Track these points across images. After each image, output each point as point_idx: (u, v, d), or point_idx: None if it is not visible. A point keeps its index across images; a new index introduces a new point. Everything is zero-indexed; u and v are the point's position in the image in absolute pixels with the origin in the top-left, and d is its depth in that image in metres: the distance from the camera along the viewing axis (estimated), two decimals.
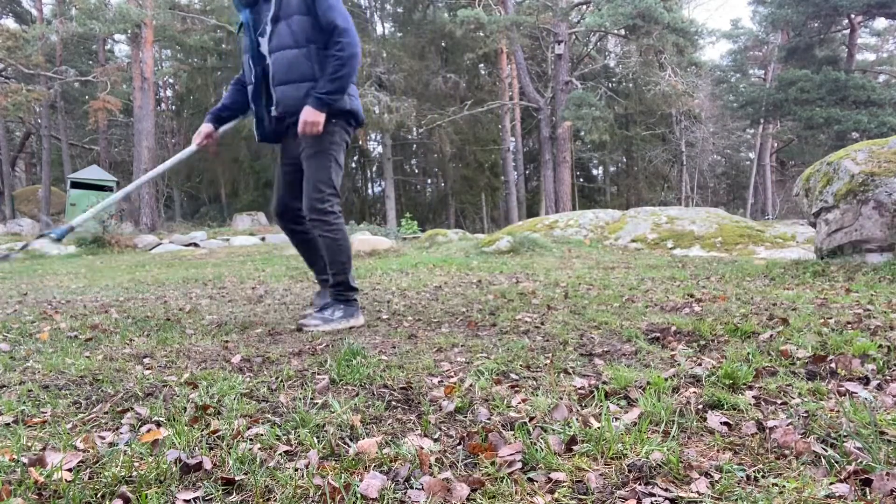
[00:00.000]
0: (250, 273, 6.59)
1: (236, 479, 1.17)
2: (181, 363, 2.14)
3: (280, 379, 1.88)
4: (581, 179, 32.02)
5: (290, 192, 3.02)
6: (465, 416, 1.51)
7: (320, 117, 2.73)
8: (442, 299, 3.69)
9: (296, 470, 1.21)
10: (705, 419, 1.41)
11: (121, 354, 2.27)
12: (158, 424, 1.49)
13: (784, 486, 1.08)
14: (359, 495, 1.09)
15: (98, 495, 1.12)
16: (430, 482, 1.12)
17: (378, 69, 21.98)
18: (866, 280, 3.57)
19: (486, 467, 1.20)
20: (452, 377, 1.87)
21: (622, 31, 20.20)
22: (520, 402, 1.58)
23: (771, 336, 2.17)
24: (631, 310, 2.93)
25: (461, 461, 1.25)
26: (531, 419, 1.44)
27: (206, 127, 3.03)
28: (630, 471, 1.16)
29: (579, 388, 1.68)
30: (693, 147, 27.22)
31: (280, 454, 1.30)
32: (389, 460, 1.24)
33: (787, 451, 1.22)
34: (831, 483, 1.08)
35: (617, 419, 1.41)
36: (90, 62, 25.77)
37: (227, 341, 2.53)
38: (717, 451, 1.25)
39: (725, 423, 1.38)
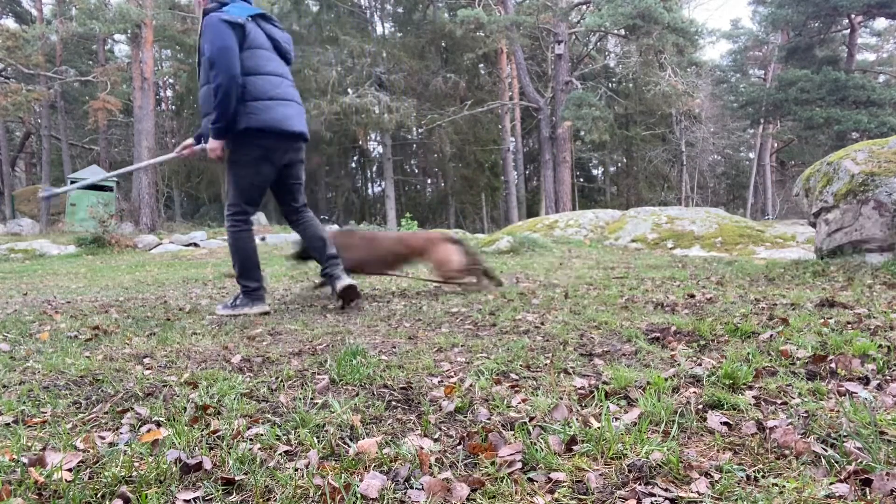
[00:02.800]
0: None
1: (236, 479, 1.17)
2: (181, 363, 2.14)
3: (280, 379, 1.88)
4: (581, 179, 32.01)
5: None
6: (465, 416, 1.51)
7: (215, 144, 3.20)
8: (442, 299, 3.69)
9: (296, 470, 1.21)
10: (705, 419, 1.41)
11: (121, 354, 2.27)
12: (158, 424, 1.49)
13: (784, 486, 1.08)
14: (359, 495, 1.09)
15: (98, 495, 1.12)
16: (430, 482, 1.12)
17: (378, 69, 21.99)
18: (866, 280, 3.57)
19: (486, 467, 1.20)
20: (452, 377, 1.87)
21: (622, 31, 20.19)
22: (520, 402, 1.58)
23: (771, 336, 2.17)
24: (631, 310, 2.93)
25: (461, 461, 1.25)
26: (531, 419, 1.44)
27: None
28: (630, 471, 1.16)
29: (579, 388, 1.68)
30: (693, 147, 27.22)
31: (280, 454, 1.30)
32: (389, 460, 1.24)
33: (787, 451, 1.22)
34: (831, 483, 1.08)
35: (617, 419, 1.41)
36: (90, 62, 25.76)
37: (227, 341, 2.53)
38: (717, 451, 1.25)
39: (725, 423, 1.38)
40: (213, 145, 3.17)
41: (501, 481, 1.14)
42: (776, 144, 30.57)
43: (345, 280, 3.37)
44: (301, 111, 3.38)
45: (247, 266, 3.33)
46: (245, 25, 3.15)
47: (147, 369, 2.05)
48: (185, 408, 1.61)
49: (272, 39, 3.30)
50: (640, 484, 1.11)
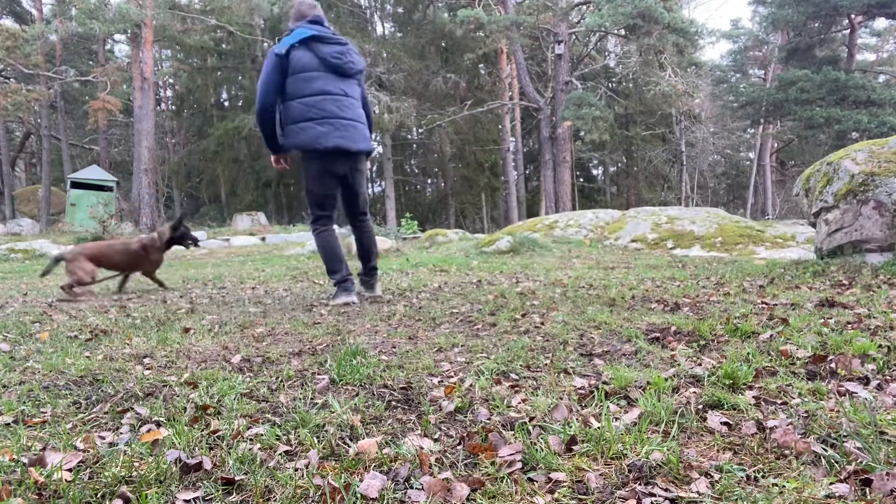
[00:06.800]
0: (250, 273, 6.59)
1: (236, 479, 1.17)
2: (181, 363, 2.14)
3: (280, 379, 1.88)
4: (581, 179, 32.00)
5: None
6: (465, 416, 1.51)
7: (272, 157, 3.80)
8: (442, 299, 3.68)
9: (296, 470, 1.21)
10: (705, 419, 1.41)
11: (121, 354, 2.27)
12: (158, 424, 1.49)
13: (784, 486, 1.08)
14: (359, 495, 1.09)
15: (98, 495, 1.12)
16: (430, 482, 1.12)
17: (378, 69, 21.97)
18: (867, 280, 3.56)
19: (486, 467, 1.20)
20: (452, 377, 1.87)
21: (622, 31, 20.18)
22: (520, 402, 1.58)
23: (771, 336, 2.17)
24: (631, 310, 2.93)
25: (461, 461, 1.25)
26: (531, 419, 1.44)
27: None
28: (630, 471, 1.16)
29: (579, 388, 1.68)
30: (693, 147, 27.22)
31: (280, 454, 1.30)
32: (389, 460, 1.24)
33: (787, 451, 1.22)
34: (831, 483, 1.08)
35: (617, 419, 1.41)
36: (90, 62, 25.76)
37: (227, 341, 2.53)
38: (717, 451, 1.25)
39: (725, 423, 1.38)
40: (272, 158, 3.78)
41: (501, 481, 1.14)
42: (776, 144, 30.56)
43: (375, 291, 3.95)
44: (345, 125, 3.60)
45: (330, 260, 3.75)
46: (289, 54, 3.51)
47: (147, 369, 2.05)
48: (185, 408, 1.61)
49: (320, 59, 3.56)
50: (640, 484, 1.11)
